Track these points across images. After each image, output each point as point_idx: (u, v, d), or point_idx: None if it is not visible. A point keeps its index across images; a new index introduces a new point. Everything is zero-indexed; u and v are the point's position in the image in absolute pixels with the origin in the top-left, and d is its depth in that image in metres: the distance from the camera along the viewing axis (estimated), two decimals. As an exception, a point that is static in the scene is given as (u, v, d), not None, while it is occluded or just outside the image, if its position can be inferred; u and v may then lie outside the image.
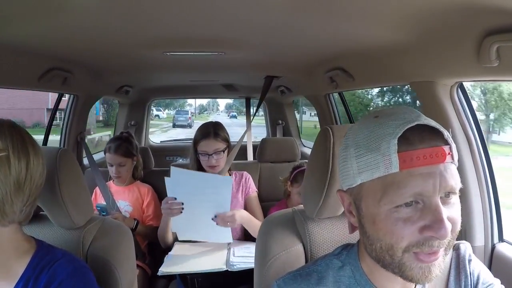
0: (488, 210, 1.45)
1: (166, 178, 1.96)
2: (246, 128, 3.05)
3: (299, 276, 0.90)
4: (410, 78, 1.50)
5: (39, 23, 1.25)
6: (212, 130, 2.17)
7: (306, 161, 2.53)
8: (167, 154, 4.39)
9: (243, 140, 2.79)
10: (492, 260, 1.43)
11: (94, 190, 2.50)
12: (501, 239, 1.47)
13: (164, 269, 1.82)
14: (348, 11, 1.10)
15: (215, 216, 1.97)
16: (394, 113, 0.74)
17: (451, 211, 0.71)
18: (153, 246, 2.51)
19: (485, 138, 1.47)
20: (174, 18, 1.22)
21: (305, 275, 0.90)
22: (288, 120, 4.23)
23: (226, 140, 2.21)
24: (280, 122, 4.26)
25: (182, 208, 1.96)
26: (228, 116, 31.96)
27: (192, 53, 1.85)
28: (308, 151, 4.04)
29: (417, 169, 0.69)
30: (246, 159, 3.59)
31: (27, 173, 0.92)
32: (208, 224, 1.97)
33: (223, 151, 2.17)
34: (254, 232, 2.15)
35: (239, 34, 1.47)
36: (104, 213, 2.24)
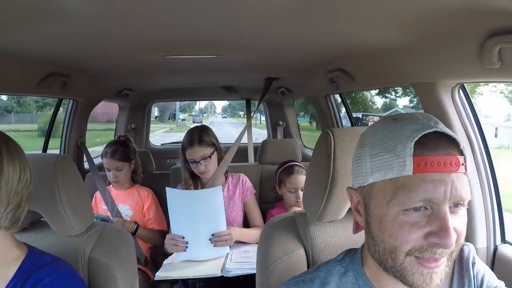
0: (490, 212, 1.44)
1: (168, 199, 1.96)
2: (244, 128, 3.01)
3: (302, 282, 0.90)
4: (411, 79, 1.49)
5: (37, 30, 1.24)
6: (197, 137, 2.16)
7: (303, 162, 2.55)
8: (168, 157, 4.38)
9: (244, 142, 2.79)
10: (495, 262, 1.42)
11: (95, 195, 2.49)
12: (503, 240, 1.47)
13: (160, 274, 1.83)
14: (348, 12, 1.09)
15: (212, 235, 1.96)
16: (413, 118, 0.75)
17: (458, 222, 0.72)
18: (155, 249, 2.51)
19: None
20: (173, 22, 1.21)
21: (307, 281, 0.90)
22: (289, 121, 4.21)
23: (213, 144, 2.20)
24: (280, 123, 4.23)
25: (187, 247, 1.95)
26: (222, 116, 38.39)
27: (191, 56, 1.85)
28: (309, 152, 4.03)
29: (429, 175, 0.69)
30: (247, 160, 3.58)
31: (1, 180, 0.90)
32: (207, 245, 1.96)
33: (210, 157, 2.17)
34: (252, 241, 2.16)
35: (238, 37, 1.47)
36: None
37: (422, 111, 1.48)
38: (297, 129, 4.30)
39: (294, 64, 2.22)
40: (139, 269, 2.21)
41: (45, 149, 2.72)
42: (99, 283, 1.23)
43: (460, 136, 1.40)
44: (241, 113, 26.69)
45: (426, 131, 0.71)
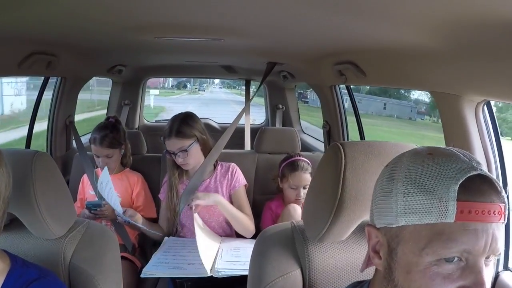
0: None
1: None
2: (241, 111, 2.87)
3: None
4: (432, 87, 1.36)
5: (17, 8, 1.11)
6: (175, 128, 2.06)
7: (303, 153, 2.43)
8: (162, 134, 4.25)
9: (241, 123, 2.65)
10: None
11: (82, 178, 2.38)
12: (506, 267, 1.39)
13: (147, 271, 1.74)
14: (368, 9, 0.96)
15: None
16: (452, 155, 0.67)
17: (489, 275, 0.65)
18: (143, 237, 2.42)
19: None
20: (166, 2, 1.08)
21: None
22: (289, 105, 4.08)
23: (193, 136, 2.09)
24: (280, 106, 4.10)
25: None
26: (219, 87, 38.70)
27: (187, 39, 1.71)
28: (308, 139, 3.92)
29: (472, 224, 0.63)
30: (243, 145, 3.46)
31: None
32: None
33: (187, 150, 2.06)
34: (236, 226, 2.09)
35: (239, 21, 1.33)
36: (96, 209, 2.11)
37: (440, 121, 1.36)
38: (297, 113, 4.17)
39: (299, 52, 2.07)
40: (126, 258, 2.15)
41: (30, 129, 2.59)
42: None
43: (478, 156, 1.29)
44: (236, 85, 28.52)
45: (471, 173, 0.63)
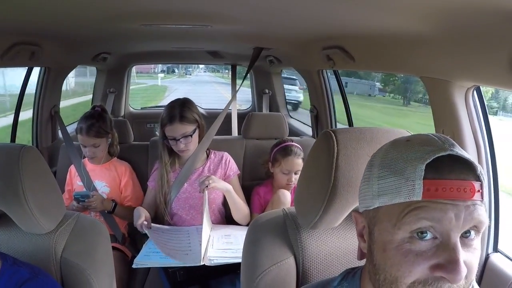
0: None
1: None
2: (230, 100, 2.85)
3: None
4: (422, 72, 1.36)
5: None
6: (178, 113, 2.02)
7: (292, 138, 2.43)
8: (148, 121, 4.21)
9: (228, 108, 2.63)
10: (484, 271, 1.36)
11: (69, 169, 2.34)
12: (495, 249, 1.41)
13: (139, 261, 1.74)
14: None
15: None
16: (427, 140, 0.68)
17: (470, 256, 0.64)
18: (133, 226, 2.39)
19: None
20: None
21: None
22: (275, 89, 4.06)
23: (195, 120, 2.07)
24: (266, 91, 4.07)
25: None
26: (203, 71, 39.27)
27: (174, 26, 1.68)
28: (295, 123, 3.92)
29: (440, 200, 0.62)
30: (230, 131, 3.44)
31: None
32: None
33: (191, 136, 2.04)
34: (237, 214, 2.09)
35: (227, 7, 1.31)
36: (84, 200, 2.08)
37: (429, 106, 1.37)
38: (283, 98, 4.16)
39: (286, 37, 2.05)
40: (116, 248, 2.15)
41: (15, 121, 2.53)
42: (73, 287, 1.14)
43: (468, 140, 1.31)
44: (219, 70, 29.99)
45: (440, 154, 0.64)
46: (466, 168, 0.64)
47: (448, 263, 0.62)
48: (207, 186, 1.92)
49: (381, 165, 0.70)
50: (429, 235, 0.63)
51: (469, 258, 0.64)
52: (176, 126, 2.01)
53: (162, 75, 28.29)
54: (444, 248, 0.63)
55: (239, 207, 2.08)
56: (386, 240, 0.67)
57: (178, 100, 2.13)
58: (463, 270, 0.61)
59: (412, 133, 0.83)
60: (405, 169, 0.65)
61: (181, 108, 2.04)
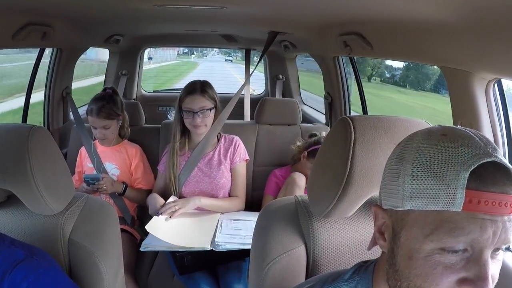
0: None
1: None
2: (243, 84, 2.82)
3: None
4: (442, 62, 1.31)
5: None
6: (199, 87, 2.03)
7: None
8: (160, 104, 4.20)
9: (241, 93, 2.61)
10: None
11: (80, 150, 2.34)
12: (507, 247, 1.36)
13: (147, 245, 1.75)
14: None
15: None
16: (466, 137, 0.62)
17: (494, 268, 0.63)
18: (142, 209, 2.41)
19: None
20: None
21: None
22: (289, 75, 3.99)
23: (214, 99, 2.06)
24: (280, 77, 4.01)
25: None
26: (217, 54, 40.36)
27: (188, 7, 1.64)
28: (309, 110, 3.86)
29: (480, 215, 0.58)
30: (243, 115, 3.41)
31: None
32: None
33: (210, 110, 2.03)
34: (220, 211, 2.08)
35: None
36: (94, 183, 2.09)
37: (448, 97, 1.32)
38: (297, 84, 4.09)
39: (303, 21, 2.00)
40: (125, 230, 2.16)
41: (27, 102, 2.52)
42: (80, 269, 1.14)
43: (486, 134, 1.26)
44: (231, 53, 32.09)
45: (485, 160, 0.58)
46: (507, 178, 0.60)
47: (477, 279, 0.59)
48: (171, 217, 1.92)
49: (416, 162, 0.64)
50: (461, 249, 0.60)
51: (494, 270, 0.62)
52: (197, 97, 2.01)
53: (194, 55, 37.37)
54: (474, 263, 0.60)
55: (223, 208, 2.07)
56: (414, 248, 0.63)
57: (198, 80, 2.14)
58: (491, 286, 0.60)
59: (431, 124, 0.79)
60: (445, 173, 0.60)
61: (202, 84, 2.07)
